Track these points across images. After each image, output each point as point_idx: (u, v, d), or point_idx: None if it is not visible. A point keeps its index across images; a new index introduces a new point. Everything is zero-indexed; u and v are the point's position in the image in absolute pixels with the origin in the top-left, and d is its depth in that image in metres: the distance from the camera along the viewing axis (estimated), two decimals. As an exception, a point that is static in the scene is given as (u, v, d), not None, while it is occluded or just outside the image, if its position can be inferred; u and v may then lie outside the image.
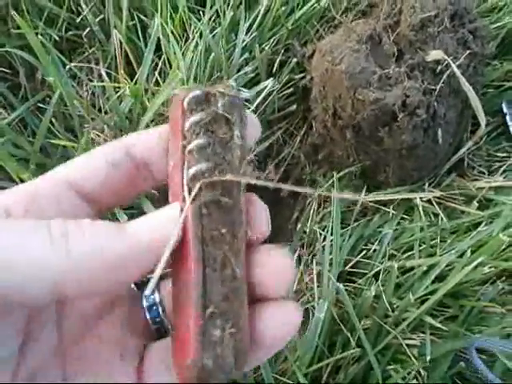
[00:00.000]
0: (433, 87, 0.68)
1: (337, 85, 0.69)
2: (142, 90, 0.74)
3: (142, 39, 0.82)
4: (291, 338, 0.26)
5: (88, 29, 0.83)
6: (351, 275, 0.71)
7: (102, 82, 0.79)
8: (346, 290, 0.66)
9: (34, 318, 0.26)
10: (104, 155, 0.27)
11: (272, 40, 0.82)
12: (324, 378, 0.63)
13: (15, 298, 0.21)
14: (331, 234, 0.68)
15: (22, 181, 0.65)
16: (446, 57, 0.68)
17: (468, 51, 0.69)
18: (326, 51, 0.72)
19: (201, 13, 0.82)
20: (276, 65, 0.82)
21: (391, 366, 0.62)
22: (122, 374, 0.28)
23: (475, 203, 0.72)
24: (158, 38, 0.76)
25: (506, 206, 0.70)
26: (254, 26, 0.81)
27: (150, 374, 0.28)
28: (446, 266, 0.63)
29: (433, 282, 0.63)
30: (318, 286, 0.68)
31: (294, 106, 0.84)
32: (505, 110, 0.81)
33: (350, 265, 0.70)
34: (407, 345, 0.61)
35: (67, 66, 0.80)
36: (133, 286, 0.30)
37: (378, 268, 0.68)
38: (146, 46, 0.78)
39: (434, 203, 0.73)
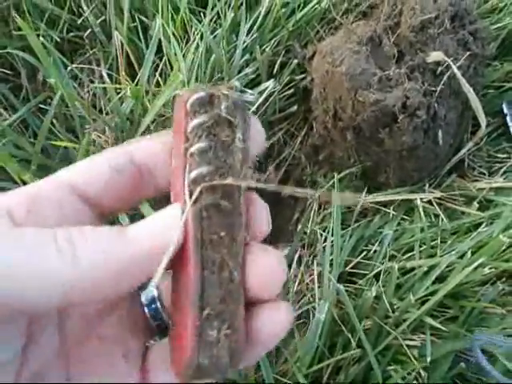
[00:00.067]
0: (433, 88, 0.68)
1: (337, 86, 0.70)
2: (143, 91, 0.74)
3: (143, 40, 0.82)
4: (283, 335, 0.26)
5: (89, 30, 0.83)
6: (352, 276, 0.71)
7: (103, 83, 0.79)
8: (347, 290, 0.66)
9: (36, 320, 0.26)
10: (107, 160, 0.27)
11: (273, 41, 0.82)
12: (324, 379, 0.63)
13: (23, 308, 0.22)
14: (332, 235, 0.68)
15: (23, 182, 0.66)
16: (446, 58, 0.68)
17: (468, 52, 0.70)
18: (327, 52, 0.72)
19: (202, 14, 0.82)
20: (277, 66, 0.82)
21: (391, 367, 0.62)
22: (126, 375, 0.28)
23: (475, 204, 0.72)
24: (159, 40, 0.76)
25: (507, 206, 0.70)
26: (255, 28, 0.81)
27: (155, 374, 0.28)
28: (447, 266, 0.64)
29: (433, 282, 0.63)
30: (318, 287, 0.68)
31: (295, 107, 0.84)
32: (505, 110, 0.81)
33: (350, 265, 0.70)
34: (408, 345, 0.61)
35: (68, 68, 0.80)
36: None
37: (379, 269, 0.68)
38: (147, 47, 0.78)
39: (435, 204, 0.73)
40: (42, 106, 0.79)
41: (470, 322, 0.63)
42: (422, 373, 0.60)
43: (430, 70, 0.69)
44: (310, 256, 0.73)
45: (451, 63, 0.68)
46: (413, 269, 0.67)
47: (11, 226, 0.23)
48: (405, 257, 0.70)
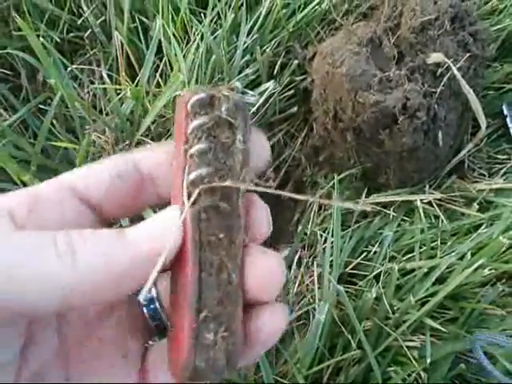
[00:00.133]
0: (433, 90, 0.68)
1: (337, 87, 0.70)
2: (143, 91, 0.74)
3: (143, 41, 0.82)
4: (279, 336, 0.26)
5: (89, 30, 0.83)
6: (352, 277, 0.71)
7: (104, 83, 0.79)
8: (347, 291, 0.66)
9: (35, 321, 0.26)
10: (110, 166, 0.27)
11: (273, 42, 0.82)
12: (324, 380, 0.63)
13: (23, 311, 0.22)
14: (332, 236, 0.68)
15: (23, 182, 0.66)
16: (446, 59, 0.68)
17: (468, 54, 0.70)
18: (327, 54, 0.72)
19: (202, 15, 0.82)
20: (277, 67, 0.82)
21: (391, 368, 0.62)
22: (125, 375, 0.28)
23: (475, 205, 0.72)
24: (160, 40, 0.76)
25: (507, 208, 0.70)
26: (255, 28, 0.81)
27: (155, 375, 0.28)
28: (447, 267, 0.64)
29: (433, 283, 0.63)
30: (318, 288, 0.68)
31: (295, 108, 0.84)
32: (505, 112, 0.81)
33: (350, 267, 0.70)
34: (407, 347, 0.61)
35: (68, 68, 0.80)
36: None
37: (379, 270, 0.68)
38: (147, 47, 0.78)
39: (435, 205, 0.73)
40: (41, 106, 0.79)
41: (470, 323, 0.63)
42: (422, 374, 0.60)
43: (430, 71, 0.69)
44: (310, 257, 0.73)
45: (451, 64, 0.68)
46: (413, 270, 0.67)
47: (12, 226, 0.23)
48: (405, 258, 0.70)
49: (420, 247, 0.70)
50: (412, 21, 0.71)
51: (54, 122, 0.74)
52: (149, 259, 0.23)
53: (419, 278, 0.65)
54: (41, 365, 0.26)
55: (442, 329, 0.61)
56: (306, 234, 0.75)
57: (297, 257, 0.73)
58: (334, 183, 0.75)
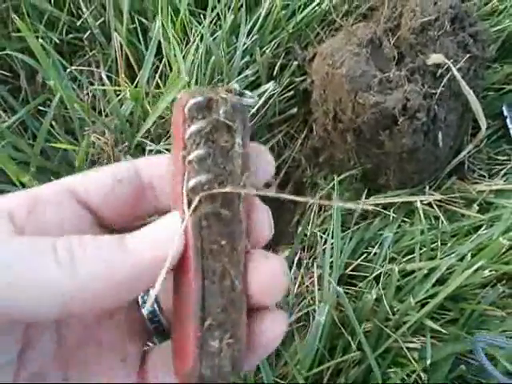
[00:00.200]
0: (433, 91, 0.68)
1: (337, 88, 0.70)
2: (143, 93, 0.74)
3: (142, 42, 0.82)
4: (279, 342, 0.26)
5: (88, 32, 0.83)
6: (352, 278, 0.71)
7: (103, 85, 0.79)
8: (347, 293, 0.66)
9: (33, 325, 0.26)
10: (112, 172, 0.27)
11: (273, 43, 0.82)
12: (324, 381, 0.63)
13: (23, 317, 0.22)
14: (332, 237, 0.68)
15: (22, 184, 0.65)
16: (446, 60, 0.68)
17: (468, 54, 0.70)
18: (327, 54, 0.72)
19: (201, 16, 0.82)
20: (277, 68, 0.82)
21: (392, 370, 0.62)
22: (124, 377, 0.28)
23: (476, 206, 0.72)
24: (159, 41, 0.76)
25: (507, 209, 0.70)
26: (255, 29, 0.81)
27: (154, 375, 0.28)
28: (447, 269, 0.63)
29: (433, 285, 0.63)
30: (318, 290, 0.68)
31: (295, 109, 0.84)
32: (505, 113, 0.81)
33: (350, 268, 0.70)
34: (408, 348, 0.61)
35: (68, 69, 0.80)
36: None
37: (379, 271, 0.68)
38: (146, 48, 0.78)
39: (435, 206, 0.73)
40: (41, 107, 0.79)
41: (470, 324, 0.63)
42: (422, 375, 0.60)
43: (430, 72, 0.69)
44: (309, 258, 0.73)
45: (451, 65, 0.68)
46: (413, 271, 0.67)
47: (11, 227, 0.23)
48: (405, 259, 0.69)
49: (420, 248, 0.69)
50: (412, 21, 0.71)
51: (54, 123, 0.74)
52: (150, 267, 0.23)
53: (419, 280, 0.65)
54: (39, 368, 0.26)
55: (442, 330, 0.61)
56: (305, 235, 0.75)
57: (297, 258, 0.73)
58: (333, 184, 0.75)
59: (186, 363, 0.24)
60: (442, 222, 0.72)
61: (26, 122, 0.79)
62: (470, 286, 0.64)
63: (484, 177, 0.78)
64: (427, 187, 0.75)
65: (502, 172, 0.78)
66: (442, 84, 0.68)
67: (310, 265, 0.72)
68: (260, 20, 0.81)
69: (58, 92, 0.71)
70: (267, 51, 0.79)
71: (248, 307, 0.26)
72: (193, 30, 0.79)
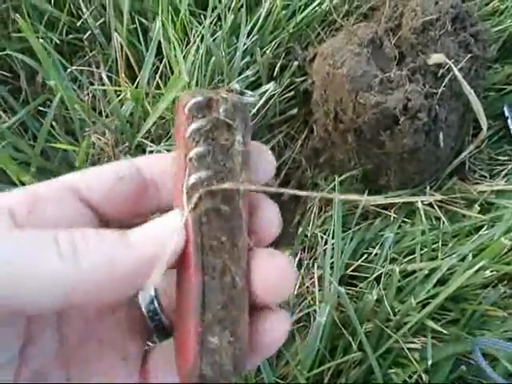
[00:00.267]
0: (434, 91, 0.68)
1: (338, 88, 0.69)
2: (143, 93, 0.74)
3: (142, 42, 0.82)
4: (283, 342, 0.26)
5: (89, 32, 0.83)
6: (352, 279, 0.71)
7: (103, 85, 0.79)
8: (348, 293, 0.66)
9: (34, 321, 0.26)
10: (113, 169, 0.27)
11: (273, 43, 0.82)
12: (325, 382, 0.63)
13: (24, 309, 0.22)
14: (332, 238, 0.68)
15: (23, 184, 0.66)
16: (447, 60, 0.68)
17: (469, 55, 0.69)
18: (328, 55, 0.72)
19: (202, 16, 0.82)
20: (277, 68, 0.82)
21: (392, 370, 0.62)
22: (125, 376, 0.28)
23: (477, 207, 0.72)
24: (159, 42, 0.76)
25: (508, 209, 0.70)
26: (255, 30, 0.81)
27: (156, 375, 0.28)
28: (448, 269, 0.63)
29: (434, 285, 0.63)
30: (319, 290, 0.68)
31: (295, 110, 0.84)
32: (506, 113, 0.81)
33: (351, 268, 0.70)
34: (408, 348, 0.61)
35: (68, 70, 0.80)
36: None
37: (380, 272, 0.68)
38: (146, 49, 0.78)
39: (436, 207, 0.73)
40: (41, 108, 0.79)
41: (472, 325, 0.63)
42: (423, 376, 0.60)
43: (432, 72, 0.69)
44: (310, 259, 0.73)
45: (452, 65, 0.68)
46: (414, 272, 0.67)
47: (12, 224, 0.23)
48: (406, 260, 0.69)
49: (421, 249, 0.69)
50: (413, 21, 0.71)
51: (54, 123, 0.74)
52: (151, 262, 0.23)
53: (420, 280, 0.65)
54: (40, 365, 0.26)
55: (443, 331, 0.61)
56: (306, 235, 0.75)
57: (297, 259, 0.73)
58: (334, 185, 0.74)
59: (186, 360, 0.24)
60: (443, 222, 0.72)
61: (26, 122, 0.79)
62: (471, 286, 0.64)
63: (485, 177, 0.78)
64: (428, 187, 0.75)
65: (503, 172, 0.78)
66: (443, 84, 0.68)
67: (310, 265, 0.72)
68: (260, 20, 0.81)
69: (59, 92, 0.71)
70: (267, 51, 0.79)
71: (252, 306, 0.25)
72: (193, 31, 0.79)
